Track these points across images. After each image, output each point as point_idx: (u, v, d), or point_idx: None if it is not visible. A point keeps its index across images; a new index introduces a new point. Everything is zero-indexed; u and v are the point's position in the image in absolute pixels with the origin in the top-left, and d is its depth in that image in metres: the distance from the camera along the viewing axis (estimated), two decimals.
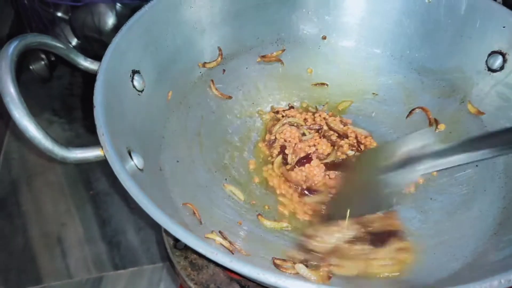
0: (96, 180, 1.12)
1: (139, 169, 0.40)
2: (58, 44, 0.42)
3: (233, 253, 0.41)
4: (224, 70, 0.58)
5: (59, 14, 1.24)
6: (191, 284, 0.45)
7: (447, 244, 0.43)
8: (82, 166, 1.14)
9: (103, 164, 1.05)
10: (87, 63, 0.44)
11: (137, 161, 0.40)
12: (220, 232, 0.43)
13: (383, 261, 0.43)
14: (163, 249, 0.50)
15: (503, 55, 0.51)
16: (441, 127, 0.54)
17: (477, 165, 0.50)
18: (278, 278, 0.30)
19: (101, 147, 0.37)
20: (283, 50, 0.61)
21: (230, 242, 0.41)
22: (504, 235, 0.40)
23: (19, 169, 1.15)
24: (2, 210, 1.06)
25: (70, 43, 1.23)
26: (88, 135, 1.19)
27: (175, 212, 0.43)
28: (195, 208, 0.45)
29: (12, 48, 0.36)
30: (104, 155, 0.36)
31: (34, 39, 0.39)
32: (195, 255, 0.47)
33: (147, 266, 0.97)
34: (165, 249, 0.48)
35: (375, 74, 0.60)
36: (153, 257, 0.98)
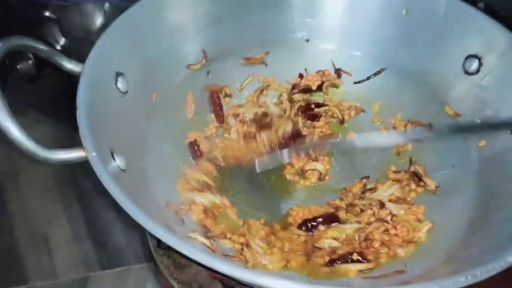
0: (84, 179, 1.12)
1: (121, 169, 0.41)
2: (42, 47, 0.42)
3: (214, 252, 0.42)
4: (208, 72, 0.59)
5: (47, 13, 1.23)
6: (174, 283, 0.46)
7: (422, 244, 0.45)
8: (70, 164, 1.14)
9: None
10: (71, 65, 0.45)
11: (119, 161, 0.41)
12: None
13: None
14: (147, 248, 0.50)
15: (479, 58, 0.52)
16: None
17: (453, 165, 0.51)
18: (256, 277, 0.31)
19: (84, 148, 0.37)
20: (267, 53, 0.62)
21: (211, 241, 0.42)
22: (476, 234, 0.41)
23: (4, 167, 1.14)
24: None
25: (58, 42, 1.22)
26: (76, 134, 1.18)
27: (158, 212, 0.44)
28: (177, 207, 0.46)
29: None
30: (86, 156, 0.37)
31: (17, 41, 0.39)
32: (178, 255, 0.48)
33: (134, 266, 0.97)
34: (149, 249, 0.49)
35: (356, 77, 0.62)
36: (140, 257, 0.98)
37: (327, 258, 0.46)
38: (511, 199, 0.42)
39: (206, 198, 0.49)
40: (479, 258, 0.35)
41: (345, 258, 0.46)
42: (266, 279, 0.30)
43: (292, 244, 0.47)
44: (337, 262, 0.46)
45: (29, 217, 1.04)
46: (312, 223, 0.49)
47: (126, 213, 0.96)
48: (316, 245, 0.48)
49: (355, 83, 0.62)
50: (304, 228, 0.49)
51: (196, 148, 0.54)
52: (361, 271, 0.45)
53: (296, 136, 0.57)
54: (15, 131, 0.35)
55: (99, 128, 0.40)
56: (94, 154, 0.36)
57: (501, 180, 0.45)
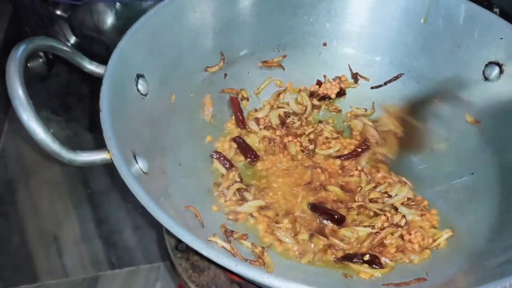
0: (94, 179, 1.13)
1: (144, 172, 0.41)
2: (64, 48, 0.42)
3: (235, 256, 0.42)
4: (226, 75, 0.59)
5: (58, 12, 1.24)
6: (192, 286, 0.46)
7: (441, 251, 0.45)
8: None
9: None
10: (92, 67, 0.45)
11: (142, 164, 0.41)
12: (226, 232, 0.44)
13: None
14: (164, 250, 0.50)
15: (500, 65, 0.52)
16: None
17: (472, 173, 0.51)
18: (282, 282, 0.31)
19: (107, 150, 0.37)
20: (284, 56, 0.62)
21: (231, 246, 0.42)
22: (499, 242, 0.41)
23: (16, 167, 1.15)
24: None
25: (69, 41, 1.23)
26: (86, 133, 1.19)
27: (177, 215, 0.44)
28: (197, 211, 0.45)
29: (21, 51, 0.37)
30: (111, 159, 0.37)
31: (41, 42, 0.39)
32: (196, 257, 0.48)
33: (144, 266, 0.98)
34: (166, 250, 0.49)
35: (374, 82, 0.61)
36: (150, 256, 0.99)
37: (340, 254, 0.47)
38: None
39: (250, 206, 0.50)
40: (506, 268, 0.34)
41: (357, 258, 0.46)
42: (294, 285, 0.30)
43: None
44: (349, 259, 0.46)
45: (40, 217, 1.05)
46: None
47: (137, 213, 0.96)
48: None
49: (372, 88, 0.62)
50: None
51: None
52: (372, 275, 0.45)
53: None
54: (41, 133, 0.35)
55: (122, 130, 0.40)
56: (118, 156, 0.36)
57: None
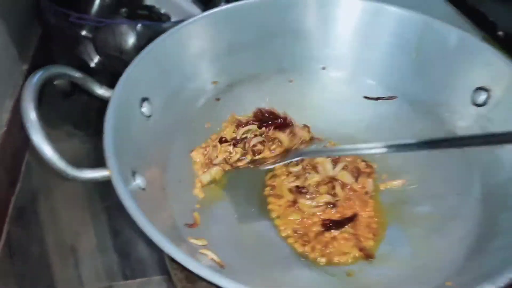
0: (110, 194, 1.16)
1: (142, 188, 0.45)
2: (76, 74, 0.47)
3: (223, 268, 0.44)
4: (218, 99, 0.62)
5: (83, 33, 1.30)
6: None
7: (422, 268, 0.47)
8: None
9: None
10: (101, 91, 0.49)
11: (140, 181, 0.45)
12: None
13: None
14: (162, 261, 0.53)
15: (487, 91, 0.54)
16: None
17: (458, 194, 0.53)
18: None
19: (108, 168, 0.41)
20: (291, 81, 0.66)
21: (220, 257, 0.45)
22: (473, 261, 0.43)
23: (39, 180, 1.20)
24: (21, 218, 1.11)
25: (92, 60, 1.29)
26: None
27: (175, 229, 0.48)
28: (197, 220, 0.49)
29: (36, 78, 0.41)
30: (110, 176, 0.41)
31: (55, 70, 0.44)
32: None
33: (156, 277, 1.01)
34: (164, 262, 0.52)
35: (370, 104, 0.64)
36: (161, 268, 1.02)
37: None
38: (507, 228, 0.43)
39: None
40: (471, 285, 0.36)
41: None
42: None
43: None
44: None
45: (59, 228, 1.09)
46: None
47: None
48: None
49: (365, 97, 0.64)
50: None
51: None
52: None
53: None
54: (49, 152, 0.39)
55: (123, 149, 0.44)
56: (116, 175, 0.40)
57: (500, 209, 0.47)
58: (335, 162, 0.58)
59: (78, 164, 0.42)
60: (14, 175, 1.17)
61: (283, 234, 0.53)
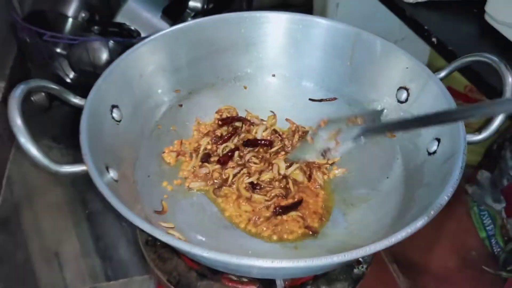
0: (92, 200, 1.23)
1: (115, 180, 0.53)
2: (54, 86, 0.54)
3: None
4: (181, 105, 0.70)
5: (58, 50, 1.36)
6: (158, 272, 0.57)
7: (356, 238, 0.56)
8: (79, 187, 1.25)
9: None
10: (76, 100, 0.57)
11: (113, 174, 0.53)
12: None
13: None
14: (138, 246, 0.61)
15: (407, 90, 0.64)
16: None
17: (387, 177, 0.62)
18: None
19: (85, 163, 0.49)
20: (246, 87, 0.74)
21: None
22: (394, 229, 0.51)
23: (20, 190, 1.26)
24: (5, 227, 1.16)
25: (68, 75, 1.35)
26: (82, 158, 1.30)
27: (145, 218, 0.55)
28: (165, 207, 0.58)
29: (19, 91, 0.49)
30: (87, 170, 0.49)
31: (36, 83, 0.51)
32: (162, 250, 0.59)
33: (137, 277, 1.07)
34: (139, 246, 0.60)
35: (315, 105, 0.73)
36: (142, 269, 1.09)
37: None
38: (419, 202, 0.53)
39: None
40: None
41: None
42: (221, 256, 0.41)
43: None
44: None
45: (42, 235, 1.15)
46: None
47: (130, 230, 1.07)
48: None
49: (310, 99, 0.73)
50: None
51: None
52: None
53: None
54: (34, 151, 0.47)
55: (97, 148, 0.52)
56: (92, 168, 0.48)
57: (417, 187, 0.56)
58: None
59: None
60: None
61: (236, 221, 0.61)
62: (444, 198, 0.46)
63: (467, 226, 1.14)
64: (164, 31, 0.66)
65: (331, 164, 0.67)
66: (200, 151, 0.66)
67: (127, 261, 1.11)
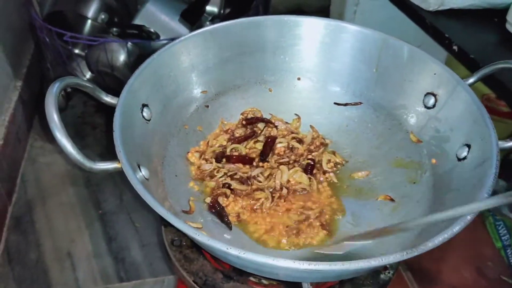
0: (104, 201, 1.24)
1: (146, 178, 0.53)
2: (88, 84, 0.55)
3: None
4: (207, 106, 0.71)
5: (76, 50, 1.38)
6: (184, 273, 0.57)
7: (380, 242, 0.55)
8: (92, 187, 1.26)
9: (111, 186, 1.19)
10: (108, 98, 0.57)
11: (144, 172, 0.53)
12: None
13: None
14: (163, 247, 0.61)
15: (435, 95, 0.64)
16: None
17: (414, 183, 0.62)
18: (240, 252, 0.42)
19: (118, 161, 0.49)
20: (271, 90, 0.75)
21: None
22: (422, 237, 0.51)
23: (34, 190, 1.27)
24: (18, 227, 1.17)
25: (85, 76, 1.37)
26: (98, 158, 1.31)
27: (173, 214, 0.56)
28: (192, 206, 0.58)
29: (56, 87, 0.49)
30: (121, 167, 0.49)
31: (71, 80, 0.52)
32: (188, 250, 0.59)
33: (149, 279, 1.07)
34: (165, 247, 0.60)
35: (339, 109, 0.73)
36: (155, 271, 1.09)
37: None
38: (449, 206, 0.52)
39: None
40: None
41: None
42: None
43: None
44: None
45: (55, 235, 1.16)
46: None
47: (143, 232, 1.08)
48: None
49: (335, 103, 0.73)
50: None
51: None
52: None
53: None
54: (69, 147, 0.47)
55: (129, 146, 0.52)
56: (126, 165, 0.48)
57: (445, 191, 0.56)
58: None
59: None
60: (11, 186, 1.24)
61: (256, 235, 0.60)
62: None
63: (482, 236, 1.13)
64: (194, 32, 0.66)
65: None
66: (213, 147, 0.67)
67: (139, 263, 1.12)
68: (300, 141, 0.69)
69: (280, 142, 0.68)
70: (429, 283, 1.04)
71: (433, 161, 0.61)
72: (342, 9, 1.29)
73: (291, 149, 0.67)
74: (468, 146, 0.56)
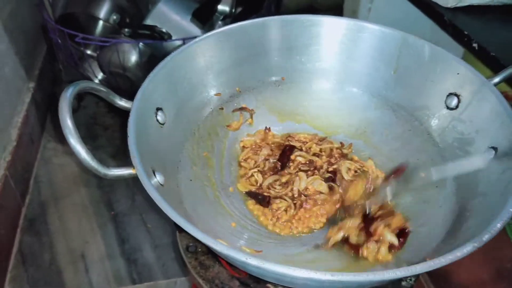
0: (117, 202, 1.24)
1: (161, 184, 0.51)
2: (102, 88, 0.54)
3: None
4: (222, 108, 0.69)
5: (88, 51, 1.38)
6: (200, 280, 0.56)
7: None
8: (105, 188, 1.26)
9: (123, 187, 1.18)
10: (122, 102, 0.56)
11: (159, 178, 0.51)
12: None
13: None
14: (178, 253, 0.60)
15: (458, 96, 0.62)
16: None
17: (437, 186, 0.60)
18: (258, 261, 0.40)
19: (133, 167, 0.48)
20: (287, 92, 0.73)
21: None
22: (447, 242, 0.50)
23: (47, 191, 1.27)
24: (31, 228, 1.17)
25: (97, 77, 1.36)
26: (110, 160, 1.31)
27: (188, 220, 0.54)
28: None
29: (70, 92, 0.48)
30: (135, 173, 0.47)
31: (85, 85, 0.51)
32: (203, 257, 0.58)
33: (162, 281, 1.07)
34: (179, 252, 0.59)
35: (357, 111, 0.71)
36: (167, 272, 1.08)
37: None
38: (475, 212, 0.51)
39: None
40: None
41: None
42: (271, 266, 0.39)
43: None
44: None
45: (68, 236, 1.16)
46: None
47: (155, 234, 1.08)
48: None
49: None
50: None
51: None
52: None
53: None
54: (83, 153, 0.46)
55: (143, 151, 0.51)
56: (141, 171, 0.47)
57: (470, 196, 0.54)
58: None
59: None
60: (24, 188, 1.24)
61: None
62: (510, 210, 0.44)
63: (501, 238, 1.11)
64: (208, 34, 0.65)
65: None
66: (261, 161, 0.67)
67: (152, 265, 1.12)
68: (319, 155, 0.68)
69: (300, 156, 0.67)
70: (446, 286, 1.02)
71: None
72: (356, 7, 1.27)
73: (310, 161, 0.66)
74: (495, 149, 0.54)
